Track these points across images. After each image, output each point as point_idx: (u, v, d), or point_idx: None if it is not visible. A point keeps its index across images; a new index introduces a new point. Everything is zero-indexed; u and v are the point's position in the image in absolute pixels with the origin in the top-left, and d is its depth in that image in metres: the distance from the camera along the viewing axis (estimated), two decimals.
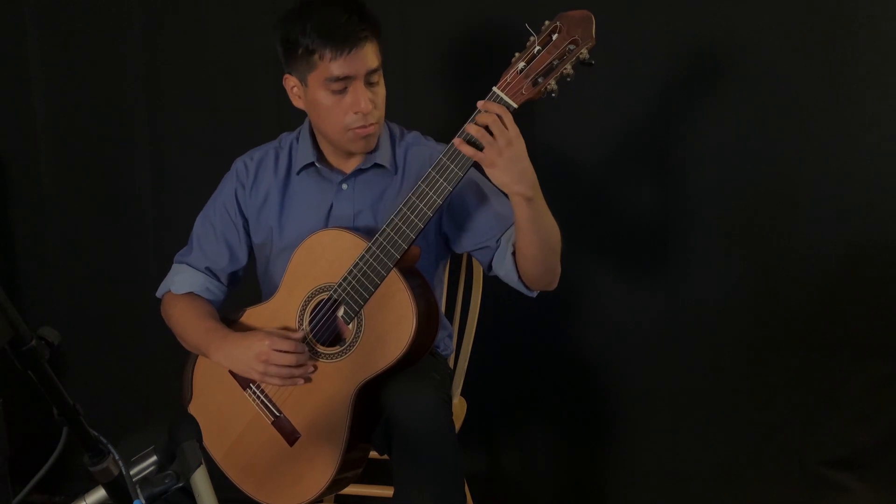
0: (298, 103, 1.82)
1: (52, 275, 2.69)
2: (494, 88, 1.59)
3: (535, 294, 1.84)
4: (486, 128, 1.58)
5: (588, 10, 1.56)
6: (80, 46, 2.57)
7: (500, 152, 1.58)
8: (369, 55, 1.71)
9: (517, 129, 1.59)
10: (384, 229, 1.66)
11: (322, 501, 1.94)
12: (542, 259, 1.74)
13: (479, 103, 1.60)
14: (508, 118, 1.58)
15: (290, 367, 1.70)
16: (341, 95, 1.73)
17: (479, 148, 1.59)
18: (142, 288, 2.45)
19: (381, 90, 1.77)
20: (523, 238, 1.70)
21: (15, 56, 2.60)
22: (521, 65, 1.57)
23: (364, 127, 1.75)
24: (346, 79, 1.71)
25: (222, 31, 2.50)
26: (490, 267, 1.85)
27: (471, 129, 1.59)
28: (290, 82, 1.80)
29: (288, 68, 1.79)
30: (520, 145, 1.59)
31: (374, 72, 1.73)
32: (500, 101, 1.58)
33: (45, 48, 2.58)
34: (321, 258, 1.75)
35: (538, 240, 1.70)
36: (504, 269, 1.81)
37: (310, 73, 1.74)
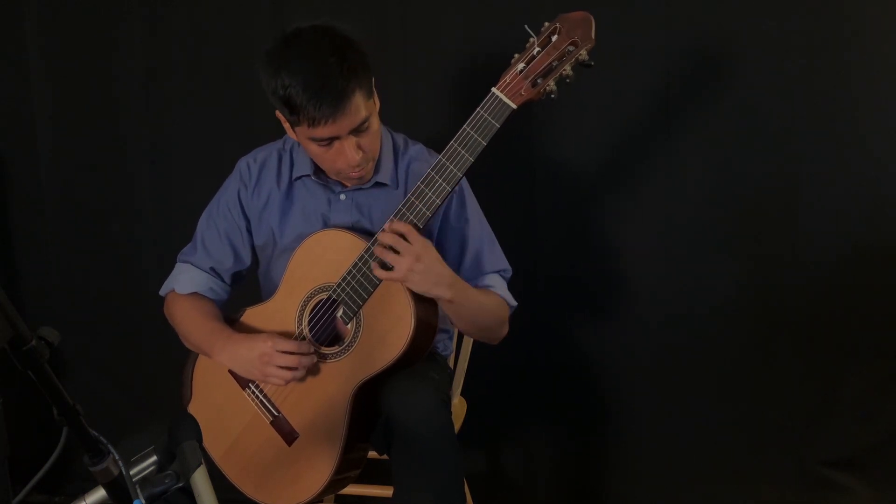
0: (292, 135, 1.76)
1: (52, 275, 2.69)
2: (493, 89, 1.58)
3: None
4: (392, 247, 1.61)
5: (587, 11, 1.55)
6: (80, 45, 2.57)
7: (411, 268, 1.61)
8: (355, 110, 1.62)
9: (423, 241, 1.62)
10: (383, 229, 1.66)
11: (322, 501, 1.94)
12: (474, 333, 1.90)
13: (385, 225, 1.63)
14: (412, 234, 1.61)
15: (291, 368, 1.70)
16: (328, 147, 1.68)
17: (390, 268, 1.62)
18: (142, 288, 2.46)
19: (372, 129, 1.70)
20: (452, 319, 1.78)
21: (15, 55, 2.60)
22: (521, 66, 1.57)
23: (354, 171, 1.74)
24: (331, 138, 1.66)
25: (222, 30, 2.50)
26: None
27: (377, 250, 1.63)
28: (281, 117, 1.73)
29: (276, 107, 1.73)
30: (429, 256, 1.62)
31: (361, 122, 1.65)
32: (500, 102, 1.58)
33: (45, 47, 2.58)
34: (321, 258, 1.75)
35: (465, 324, 1.82)
36: None
37: (295, 126, 1.68)
